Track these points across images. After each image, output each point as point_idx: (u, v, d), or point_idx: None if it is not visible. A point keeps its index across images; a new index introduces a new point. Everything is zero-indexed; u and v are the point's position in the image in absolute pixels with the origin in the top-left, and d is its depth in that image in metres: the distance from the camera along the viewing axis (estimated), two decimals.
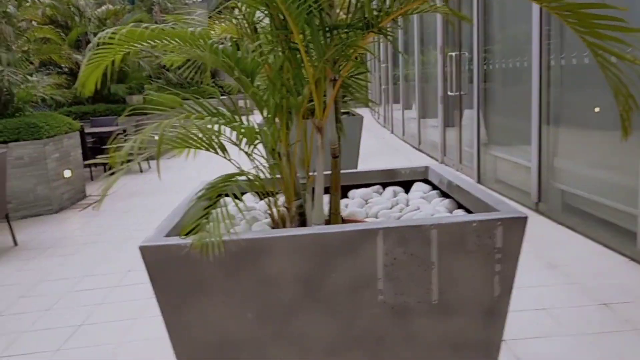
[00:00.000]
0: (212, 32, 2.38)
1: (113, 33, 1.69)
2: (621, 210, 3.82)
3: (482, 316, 1.69)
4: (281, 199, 2.03)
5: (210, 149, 1.88)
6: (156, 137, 1.60)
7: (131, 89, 11.21)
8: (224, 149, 1.90)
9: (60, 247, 4.99)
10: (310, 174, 2.01)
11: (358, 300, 1.67)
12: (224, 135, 1.89)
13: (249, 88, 1.88)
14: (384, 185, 2.58)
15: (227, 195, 1.74)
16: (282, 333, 1.69)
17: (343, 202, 2.39)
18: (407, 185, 2.57)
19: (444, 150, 7.95)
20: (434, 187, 2.47)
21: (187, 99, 1.95)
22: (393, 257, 1.63)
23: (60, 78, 9.34)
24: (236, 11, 2.07)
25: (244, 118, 1.94)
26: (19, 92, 6.60)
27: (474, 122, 6.41)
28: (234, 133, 1.91)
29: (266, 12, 1.85)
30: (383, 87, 14.13)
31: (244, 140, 1.92)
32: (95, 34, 10.36)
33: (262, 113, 1.92)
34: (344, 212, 2.23)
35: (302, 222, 2.02)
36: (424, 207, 2.16)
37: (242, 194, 2.51)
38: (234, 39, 2.16)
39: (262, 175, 1.97)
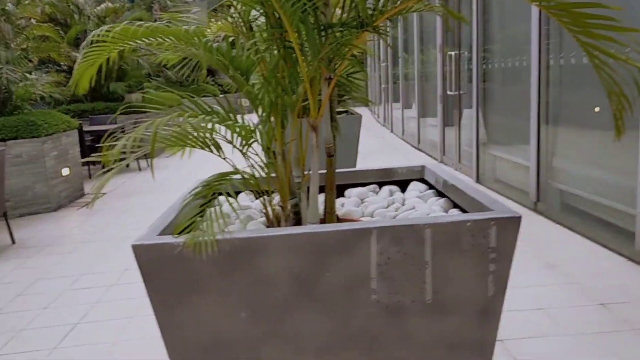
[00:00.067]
0: (209, 30, 2.37)
1: (107, 31, 1.68)
2: (620, 210, 3.81)
3: (476, 316, 1.69)
4: (277, 198, 2.02)
5: (205, 148, 1.87)
6: (151, 136, 1.59)
7: (130, 87, 11.21)
8: (218, 148, 1.89)
9: (58, 245, 4.99)
10: (306, 172, 2.00)
11: (352, 300, 1.67)
12: (219, 133, 1.88)
13: (244, 86, 1.87)
14: (381, 185, 2.57)
15: (221, 194, 1.73)
16: (276, 332, 1.69)
17: (339, 201, 2.38)
18: (403, 185, 2.56)
19: (443, 149, 7.94)
20: (431, 187, 2.46)
21: (183, 98, 1.95)
22: (387, 256, 1.63)
23: (59, 76, 9.33)
24: (232, 9, 2.06)
25: (239, 117, 1.94)
26: (18, 90, 6.60)
27: (473, 121, 6.41)
28: (231, 132, 1.90)
29: (261, 10, 1.84)
30: (383, 86, 14.12)
31: (240, 139, 1.92)
32: None
33: (257, 112, 1.92)
34: (340, 211, 2.22)
35: (298, 221, 2.02)
36: (419, 207, 2.15)
37: (239, 192, 2.51)
38: (229, 37, 2.15)
39: (257, 174, 1.97)
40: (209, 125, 1.75)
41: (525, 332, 2.77)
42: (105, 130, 8.66)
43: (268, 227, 2.03)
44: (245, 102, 2.00)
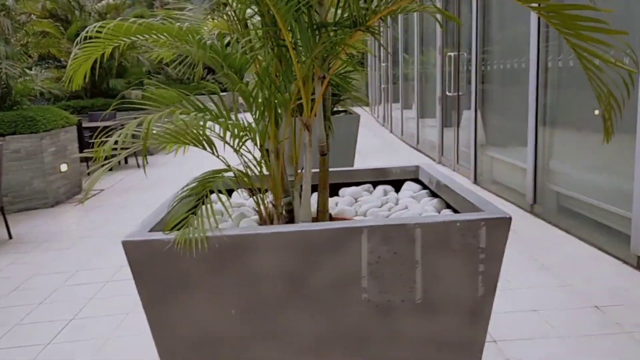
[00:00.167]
0: (205, 27, 2.37)
1: (100, 27, 1.68)
2: (615, 213, 3.82)
3: (466, 315, 1.69)
4: (270, 196, 2.03)
5: (198, 145, 1.88)
6: (142, 133, 1.59)
7: (130, 83, 11.21)
8: (211, 145, 1.90)
9: (56, 241, 4.99)
10: (299, 171, 2.00)
11: (343, 298, 1.67)
12: (213, 130, 1.88)
13: (237, 84, 1.88)
14: (375, 184, 2.58)
15: (213, 191, 1.74)
16: (266, 330, 1.69)
17: (333, 200, 2.38)
18: (398, 185, 2.56)
19: (442, 150, 7.94)
20: (425, 187, 2.47)
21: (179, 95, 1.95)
22: (377, 255, 1.63)
23: (59, 72, 9.34)
24: (227, 7, 2.06)
25: (233, 115, 1.94)
26: (17, 86, 6.60)
27: (471, 122, 6.41)
28: (223, 129, 1.90)
29: (256, 9, 1.84)
30: (383, 86, 14.12)
31: (233, 137, 1.92)
32: None
33: (250, 110, 1.92)
34: (334, 210, 2.23)
35: (291, 220, 2.02)
36: (412, 207, 2.15)
37: (232, 190, 2.51)
38: (223, 34, 2.15)
39: (250, 172, 1.97)
40: (201, 123, 1.75)
41: (519, 333, 2.78)
42: (104, 127, 8.66)
43: (261, 225, 2.03)
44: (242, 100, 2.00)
